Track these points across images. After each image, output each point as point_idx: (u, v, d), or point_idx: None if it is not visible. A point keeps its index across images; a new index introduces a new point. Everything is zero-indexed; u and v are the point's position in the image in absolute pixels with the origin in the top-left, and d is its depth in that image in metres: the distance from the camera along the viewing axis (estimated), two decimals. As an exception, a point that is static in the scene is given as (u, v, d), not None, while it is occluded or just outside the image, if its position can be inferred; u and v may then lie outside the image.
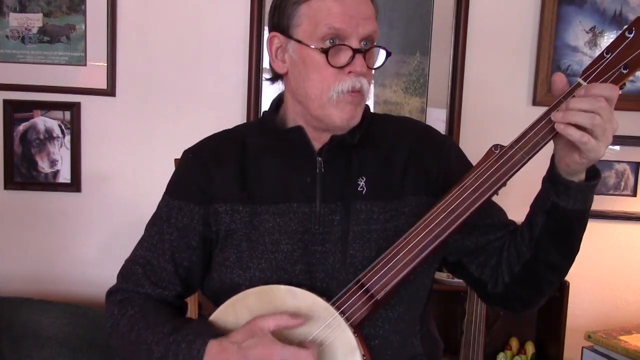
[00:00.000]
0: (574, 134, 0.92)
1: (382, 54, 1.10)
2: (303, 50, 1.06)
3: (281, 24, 1.08)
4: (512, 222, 1.17)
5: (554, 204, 1.00)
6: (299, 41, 1.06)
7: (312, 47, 1.04)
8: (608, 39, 2.19)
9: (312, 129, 1.12)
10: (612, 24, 2.19)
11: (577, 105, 0.92)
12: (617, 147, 2.26)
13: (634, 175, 2.27)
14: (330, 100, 1.05)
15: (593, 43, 2.20)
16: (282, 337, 1.00)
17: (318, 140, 1.12)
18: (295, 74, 1.08)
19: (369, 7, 1.06)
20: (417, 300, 1.15)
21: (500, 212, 1.17)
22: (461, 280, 2.06)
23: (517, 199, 1.35)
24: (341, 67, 1.04)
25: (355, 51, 1.04)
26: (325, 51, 1.03)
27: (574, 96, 0.95)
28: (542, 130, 0.98)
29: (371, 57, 1.08)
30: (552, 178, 1.00)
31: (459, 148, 1.23)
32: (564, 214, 1.01)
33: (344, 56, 1.04)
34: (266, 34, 1.15)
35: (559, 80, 0.98)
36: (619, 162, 2.27)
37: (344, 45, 1.03)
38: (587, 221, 1.04)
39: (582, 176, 0.99)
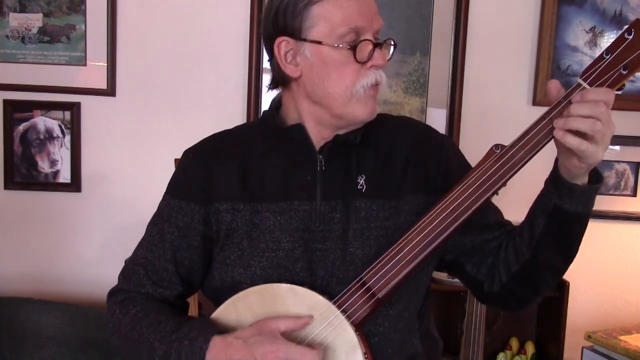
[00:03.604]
0: (573, 142, 0.92)
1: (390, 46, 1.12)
2: (322, 51, 1.05)
3: (288, 28, 1.06)
4: (509, 222, 1.17)
5: (557, 206, 1.00)
6: (317, 42, 1.05)
7: (335, 45, 1.04)
8: (608, 39, 2.19)
9: (319, 127, 1.11)
10: (612, 24, 2.19)
11: (578, 111, 0.92)
12: (617, 147, 2.26)
13: (634, 175, 2.27)
14: (355, 95, 1.06)
15: (593, 43, 2.20)
16: (285, 336, 1.00)
17: (319, 139, 1.12)
18: (313, 75, 1.07)
19: (374, 2, 1.08)
20: (415, 297, 1.15)
21: (496, 211, 1.18)
22: (461, 280, 2.03)
23: (517, 198, 1.36)
24: (364, 62, 1.05)
25: (375, 45, 1.05)
26: (353, 48, 1.04)
27: (571, 102, 0.94)
28: (543, 130, 0.98)
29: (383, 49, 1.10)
30: (556, 180, 1.00)
31: (458, 148, 1.23)
32: (566, 217, 1.00)
33: (365, 51, 1.05)
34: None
35: (554, 87, 0.98)
36: (619, 162, 2.27)
37: (367, 40, 1.05)
38: (588, 224, 1.04)
39: (585, 179, 0.99)
